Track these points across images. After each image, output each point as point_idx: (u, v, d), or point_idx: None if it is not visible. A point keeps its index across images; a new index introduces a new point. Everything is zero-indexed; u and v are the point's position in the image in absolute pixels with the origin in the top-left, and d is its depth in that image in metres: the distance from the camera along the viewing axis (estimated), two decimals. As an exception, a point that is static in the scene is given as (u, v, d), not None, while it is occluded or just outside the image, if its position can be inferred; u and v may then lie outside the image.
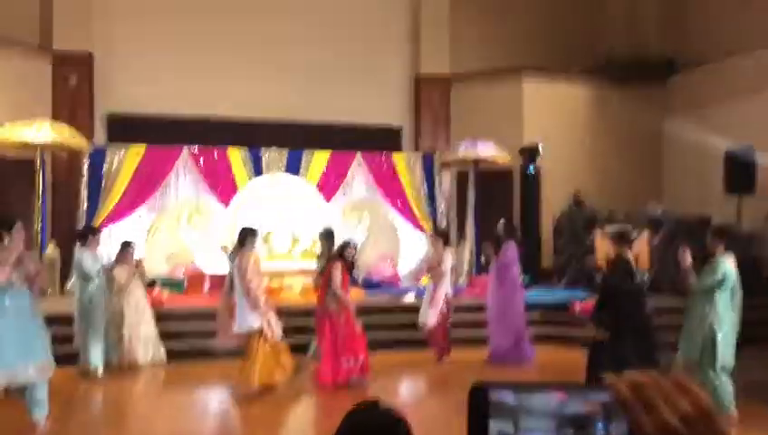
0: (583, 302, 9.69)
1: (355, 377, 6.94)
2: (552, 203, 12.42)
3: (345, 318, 6.97)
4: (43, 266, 6.78)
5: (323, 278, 7.27)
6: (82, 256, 7.59)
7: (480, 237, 11.93)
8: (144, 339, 8.03)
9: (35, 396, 5.53)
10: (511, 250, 8.37)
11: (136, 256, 8.30)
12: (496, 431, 0.73)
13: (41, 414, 5.55)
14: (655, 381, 0.69)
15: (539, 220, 12.37)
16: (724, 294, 5.64)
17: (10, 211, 10.44)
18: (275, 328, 6.77)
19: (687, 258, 5.69)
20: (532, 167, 12.33)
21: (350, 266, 7.18)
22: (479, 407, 0.74)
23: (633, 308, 5.84)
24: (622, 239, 6.12)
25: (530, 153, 12.29)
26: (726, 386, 5.61)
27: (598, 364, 5.69)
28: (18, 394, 5.54)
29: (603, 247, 10.36)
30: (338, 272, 6.93)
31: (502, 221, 8.79)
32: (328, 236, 8.37)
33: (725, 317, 5.63)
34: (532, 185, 12.42)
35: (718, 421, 0.68)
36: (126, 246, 8.18)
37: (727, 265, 5.65)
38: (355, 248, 7.33)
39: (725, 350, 5.60)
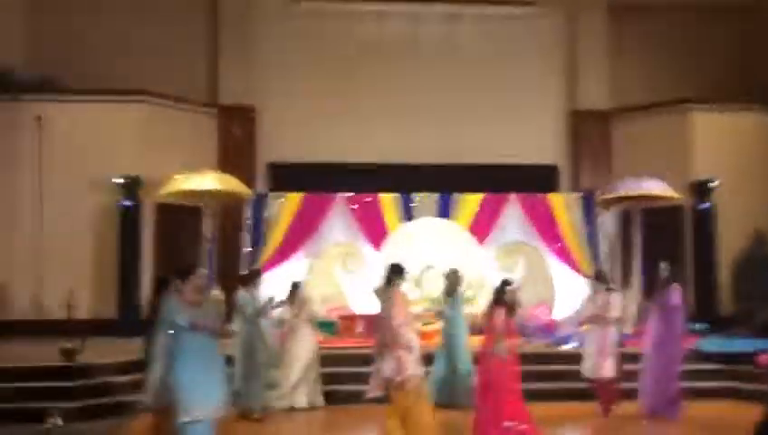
0: (772, 353, 8.57)
1: None
2: (729, 243, 11.30)
3: (510, 372, 6.14)
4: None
5: (487, 326, 6.37)
6: (242, 297, 7.81)
7: (647, 282, 11.06)
8: (309, 381, 8.09)
9: None
10: (676, 294, 7.61)
11: (304, 296, 8.45)
12: None
13: None
14: None
15: (715, 262, 11.27)
16: None
17: (181, 256, 11.13)
18: (408, 370, 5.81)
19: None
20: (705, 204, 11.32)
21: (510, 310, 6.29)
22: None
23: None
24: None
25: (702, 188, 11.31)
26: None
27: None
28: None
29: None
30: (500, 317, 6.18)
31: (664, 263, 8.09)
32: (453, 275, 8.28)
33: None
34: (705, 223, 11.39)
35: None
36: (296, 286, 8.36)
37: None
38: (516, 288, 6.46)
39: None
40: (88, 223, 11.27)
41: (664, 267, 7.86)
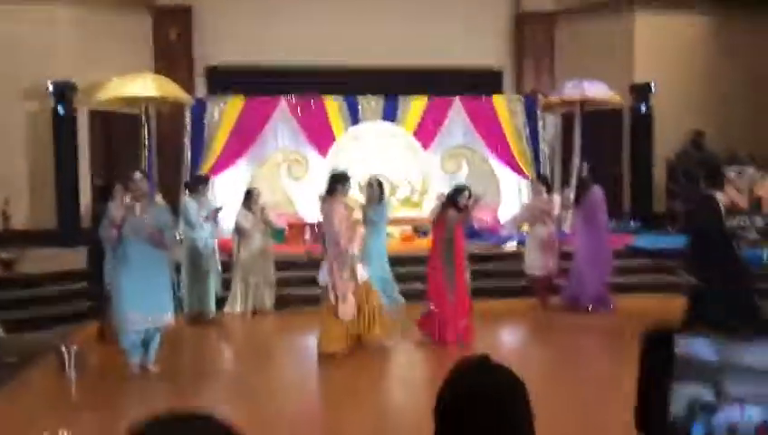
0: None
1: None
2: (666, 145, 11.63)
3: (458, 273, 6.60)
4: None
5: (435, 227, 6.77)
6: (187, 204, 7.75)
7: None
8: (262, 285, 8.21)
9: (152, 344, 5.75)
10: (595, 195, 8.06)
11: (261, 204, 8.44)
12: (687, 399, 0.50)
13: (150, 359, 5.77)
14: None
15: (651, 163, 11.63)
16: None
17: (119, 164, 10.87)
18: (344, 305, 6.20)
19: (736, 196, 5.72)
20: (644, 106, 11.55)
21: (461, 212, 6.63)
22: (659, 362, 0.50)
23: (723, 254, 5.53)
24: (714, 179, 5.78)
25: (641, 92, 11.51)
26: None
27: (698, 313, 5.37)
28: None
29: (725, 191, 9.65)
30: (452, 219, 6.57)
31: (584, 164, 8.47)
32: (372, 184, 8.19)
33: None
34: (643, 126, 11.66)
35: None
36: (249, 193, 8.32)
37: None
38: (470, 195, 6.75)
39: None
40: (21, 132, 10.84)
41: (583, 168, 8.22)
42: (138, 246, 5.56)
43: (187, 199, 7.95)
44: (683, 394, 0.52)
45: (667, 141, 11.65)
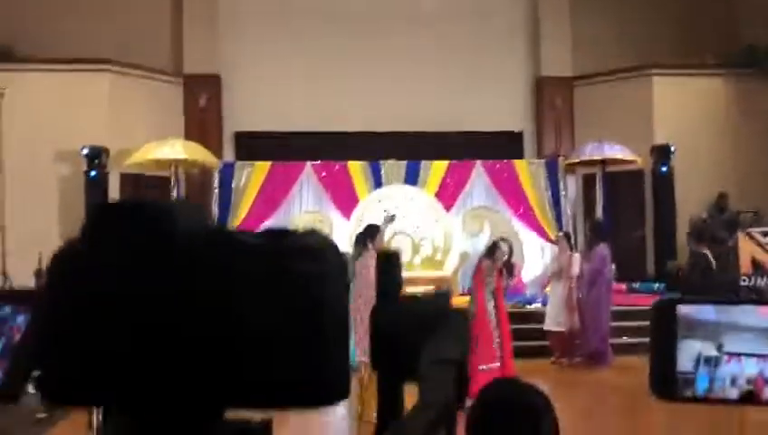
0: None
1: None
2: (689, 205, 11.63)
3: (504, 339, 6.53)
4: None
5: (475, 287, 6.60)
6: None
7: (611, 243, 11.38)
8: None
9: None
10: (601, 253, 8.13)
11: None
12: (695, 353, 0.59)
13: None
14: None
15: (674, 224, 11.62)
16: None
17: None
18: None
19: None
20: (665, 167, 11.64)
21: (501, 270, 6.50)
22: (665, 324, 0.59)
23: None
24: (700, 236, 6.20)
25: (662, 153, 11.61)
26: None
27: None
28: None
29: (747, 251, 9.61)
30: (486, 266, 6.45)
31: (589, 221, 8.62)
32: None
33: None
34: (665, 187, 11.71)
35: None
36: None
37: None
38: (510, 249, 6.67)
39: None
40: (54, 195, 11.16)
41: (589, 225, 8.36)
42: None
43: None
44: (688, 351, 0.60)
45: (689, 202, 11.66)
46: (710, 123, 12.22)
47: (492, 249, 6.56)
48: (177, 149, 10.03)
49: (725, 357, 0.59)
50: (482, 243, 11.74)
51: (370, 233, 6.33)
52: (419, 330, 0.87)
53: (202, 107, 12.22)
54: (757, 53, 12.21)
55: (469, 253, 11.70)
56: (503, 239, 6.80)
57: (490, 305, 6.43)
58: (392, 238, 11.24)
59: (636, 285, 10.99)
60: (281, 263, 0.49)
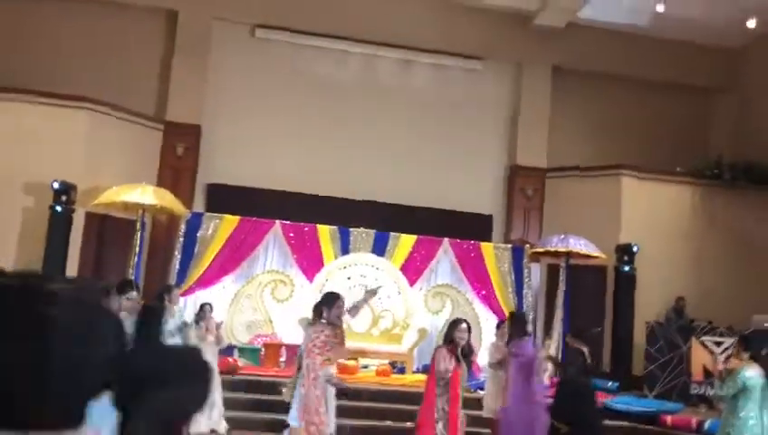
0: (675, 415, 8.97)
1: None
2: (647, 307, 11.76)
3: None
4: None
5: (431, 365, 6.20)
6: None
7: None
8: (209, 405, 8.00)
9: None
10: (528, 347, 7.34)
11: (216, 320, 8.39)
12: None
13: None
14: None
15: (632, 323, 11.71)
16: (746, 402, 5.73)
17: (107, 266, 10.97)
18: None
19: (717, 366, 6.43)
20: (627, 267, 11.81)
21: (458, 353, 5.99)
22: None
23: (584, 403, 6.33)
24: (579, 336, 6.68)
25: (626, 252, 11.80)
26: None
27: None
28: None
29: (699, 358, 9.69)
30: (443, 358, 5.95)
31: (513, 313, 8.25)
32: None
33: (746, 426, 5.72)
34: (626, 286, 11.86)
35: None
36: (203, 307, 8.30)
37: (748, 373, 5.76)
38: (468, 330, 6.16)
39: None
40: (17, 226, 10.99)
41: (511, 318, 7.84)
42: None
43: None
44: None
45: (648, 304, 11.80)
46: (675, 229, 12.49)
47: (451, 329, 6.17)
48: (147, 194, 9.99)
49: None
50: (442, 321, 11.74)
51: (326, 301, 6.17)
52: (161, 379, 0.90)
53: (179, 155, 12.25)
54: (723, 162, 12.64)
55: (428, 330, 11.67)
56: (458, 320, 6.51)
57: (442, 401, 5.95)
58: (379, 315, 11.16)
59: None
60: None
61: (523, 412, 6.88)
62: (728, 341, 10.15)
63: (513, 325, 7.54)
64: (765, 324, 10.51)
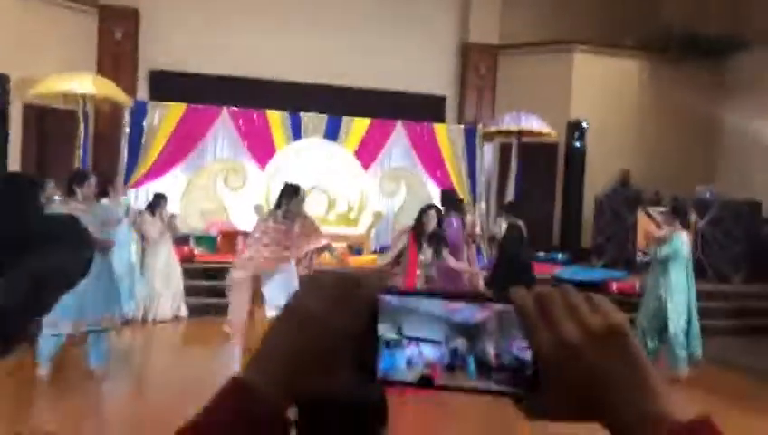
0: (620, 281, 9.42)
1: None
2: (597, 181, 12.06)
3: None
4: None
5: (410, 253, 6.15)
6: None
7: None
8: (172, 294, 8.09)
9: (96, 347, 5.70)
10: (451, 223, 7.41)
11: (169, 211, 8.33)
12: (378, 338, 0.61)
13: (97, 362, 5.73)
14: (563, 296, 0.59)
15: (582, 198, 12.03)
16: (676, 266, 6.18)
17: (51, 161, 10.65)
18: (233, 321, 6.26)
19: (654, 230, 6.69)
20: (578, 143, 11.98)
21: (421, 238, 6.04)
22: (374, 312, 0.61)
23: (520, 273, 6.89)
24: (511, 211, 7.24)
25: (576, 129, 11.93)
26: (676, 349, 6.23)
27: None
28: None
29: (644, 228, 10.06)
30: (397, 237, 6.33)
31: (442, 191, 8.45)
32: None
33: (677, 287, 6.19)
34: (577, 161, 12.07)
35: (630, 340, 0.59)
36: (158, 198, 8.21)
37: (679, 240, 6.17)
38: (438, 217, 6.16)
39: (676, 317, 6.18)
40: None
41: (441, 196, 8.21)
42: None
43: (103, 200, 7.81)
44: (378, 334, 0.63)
45: (598, 178, 12.08)
46: (623, 103, 12.64)
47: (419, 214, 6.21)
48: (86, 83, 9.55)
49: (405, 341, 0.61)
50: (397, 203, 11.88)
51: (286, 193, 6.46)
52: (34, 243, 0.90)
53: (117, 41, 11.66)
54: (673, 35, 12.63)
55: (383, 212, 11.80)
56: (430, 206, 6.58)
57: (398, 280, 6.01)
58: (308, 193, 11.18)
59: (541, 255, 11.35)
60: None
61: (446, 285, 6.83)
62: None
63: (443, 204, 7.67)
64: (707, 194, 10.92)
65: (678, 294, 6.22)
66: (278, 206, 6.38)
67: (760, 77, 11.78)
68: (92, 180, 5.82)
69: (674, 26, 12.81)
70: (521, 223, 7.03)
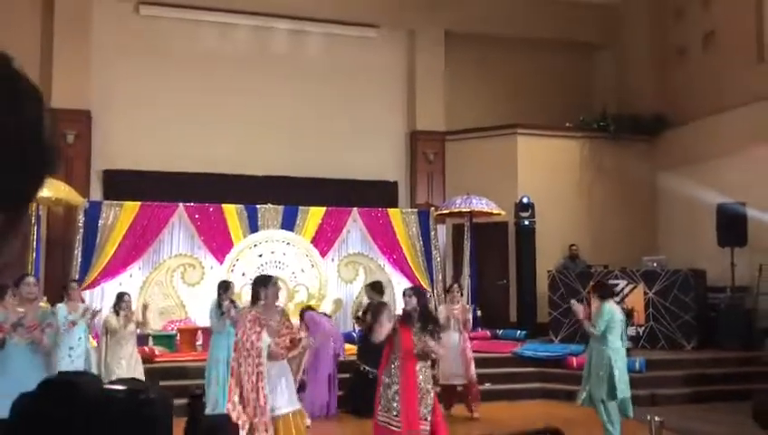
0: (580, 356, 9.60)
1: None
2: (549, 257, 12.43)
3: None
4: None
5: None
6: (57, 309, 7.50)
7: (476, 290, 11.95)
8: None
9: None
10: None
11: (132, 308, 8.24)
12: None
13: None
14: None
15: (535, 274, 12.35)
16: (611, 333, 6.54)
17: (2, 266, 10.46)
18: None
19: (580, 310, 6.77)
20: (527, 221, 12.40)
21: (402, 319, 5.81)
22: None
23: None
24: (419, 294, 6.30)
25: (524, 207, 12.38)
26: (615, 412, 6.55)
27: None
28: None
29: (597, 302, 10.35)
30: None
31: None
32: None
33: (620, 352, 6.59)
34: (527, 239, 12.45)
35: None
36: (120, 296, 8.14)
37: (609, 308, 6.64)
38: (417, 296, 6.04)
39: (621, 380, 6.54)
40: None
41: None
42: (19, 349, 5.44)
43: (59, 305, 7.70)
44: None
45: (550, 254, 12.46)
46: (567, 181, 13.23)
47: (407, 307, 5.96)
48: (39, 187, 9.54)
49: None
50: (356, 290, 11.96)
51: (262, 282, 6.06)
52: None
53: (70, 143, 11.71)
54: (607, 119, 13.44)
55: (343, 299, 11.87)
56: (407, 289, 6.52)
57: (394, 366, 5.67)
58: (294, 290, 11.24)
59: (499, 332, 11.53)
60: None
61: None
62: (622, 282, 10.92)
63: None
64: (654, 264, 11.35)
65: (621, 361, 6.59)
66: (257, 297, 6.09)
67: (691, 151, 12.52)
68: (31, 280, 5.87)
69: (608, 107, 13.64)
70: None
